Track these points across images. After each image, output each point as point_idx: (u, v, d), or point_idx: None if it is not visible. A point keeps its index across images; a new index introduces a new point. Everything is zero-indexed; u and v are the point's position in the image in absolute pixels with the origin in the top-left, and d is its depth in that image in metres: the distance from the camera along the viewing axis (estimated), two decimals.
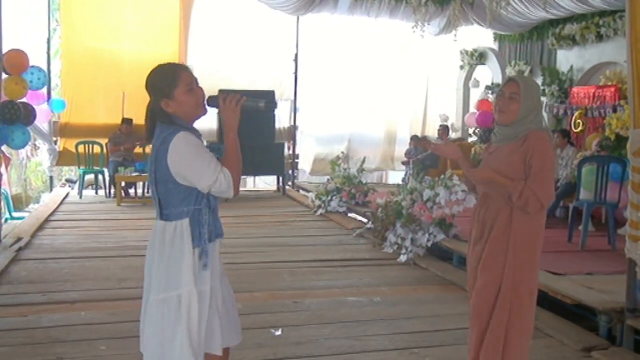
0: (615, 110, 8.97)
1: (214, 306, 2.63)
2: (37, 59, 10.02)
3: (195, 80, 2.62)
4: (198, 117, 2.63)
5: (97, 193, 11.42)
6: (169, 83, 2.54)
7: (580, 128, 9.64)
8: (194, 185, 2.52)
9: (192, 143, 2.53)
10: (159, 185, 2.57)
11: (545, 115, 10.70)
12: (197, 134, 2.61)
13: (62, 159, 11.60)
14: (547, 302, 4.88)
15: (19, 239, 6.98)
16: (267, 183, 13.31)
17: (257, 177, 14.01)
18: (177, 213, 2.55)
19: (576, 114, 9.80)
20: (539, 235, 2.98)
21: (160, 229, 2.58)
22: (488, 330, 2.96)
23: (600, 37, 9.87)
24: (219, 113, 2.57)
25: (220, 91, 2.68)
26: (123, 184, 10.47)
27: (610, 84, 9.50)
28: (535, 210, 2.85)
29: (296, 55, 12.63)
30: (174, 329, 2.53)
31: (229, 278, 2.79)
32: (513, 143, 2.93)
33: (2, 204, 9.89)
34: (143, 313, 2.63)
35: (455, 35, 11.05)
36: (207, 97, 2.65)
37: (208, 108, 2.65)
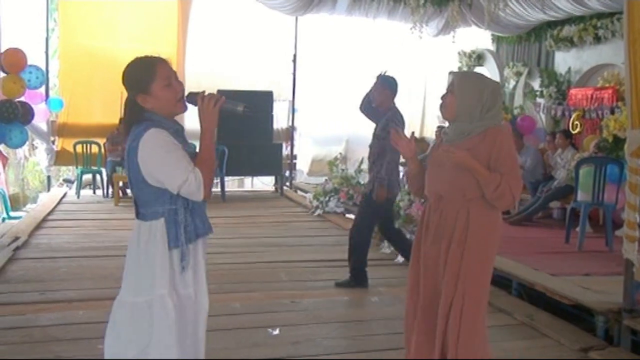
0: (612, 112, 8.99)
1: (199, 310, 2.56)
2: (35, 58, 10.01)
3: (174, 74, 2.48)
4: (176, 114, 2.50)
5: (94, 193, 11.40)
6: (146, 77, 2.40)
7: (577, 129, 9.66)
8: (163, 186, 2.40)
9: (161, 139, 2.38)
10: (133, 185, 2.48)
11: (542, 116, 10.72)
12: (174, 128, 2.46)
13: (59, 158, 11.60)
14: (544, 302, 4.90)
15: (16, 238, 6.97)
16: (264, 183, 13.30)
17: (254, 177, 14.00)
18: (151, 212, 2.45)
19: (574, 115, 9.81)
20: (495, 231, 2.93)
21: (136, 228, 2.49)
22: (449, 323, 2.90)
23: (597, 39, 9.89)
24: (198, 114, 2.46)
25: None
26: (121, 183, 10.45)
27: (607, 85, 9.51)
28: (507, 204, 2.82)
29: (294, 56, 12.64)
30: (149, 334, 2.43)
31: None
32: (468, 140, 2.84)
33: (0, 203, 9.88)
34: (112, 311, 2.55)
35: (453, 37, 11.06)
36: (187, 93, 2.50)
37: (189, 105, 2.51)
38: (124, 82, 2.46)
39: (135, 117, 2.43)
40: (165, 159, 2.36)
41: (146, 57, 2.49)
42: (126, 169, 2.49)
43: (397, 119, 5.32)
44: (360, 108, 5.71)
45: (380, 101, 5.40)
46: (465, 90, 2.85)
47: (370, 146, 5.52)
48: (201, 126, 2.45)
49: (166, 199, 2.42)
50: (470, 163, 2.76)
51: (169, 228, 2.43)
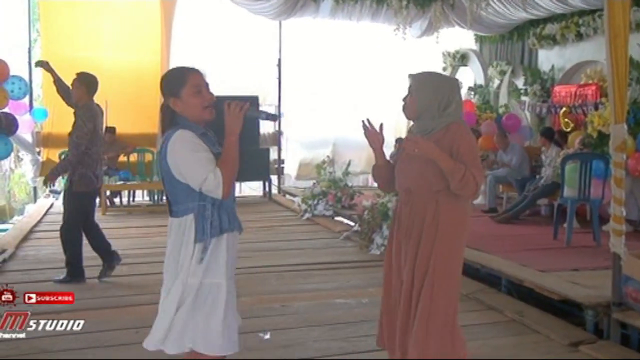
0: (596, 108, 9.04)
1: (231, 302, 2.70)
2: (18, 68, 9.94)
3: (206, 84, 2.69)
4: (205, 121, 2.69)
5: None
6: (177, 82, 2.65)
7: (570, 127, 9.67)
8: (187, 182, 2.58)
9: (188, 140, 2.59)
10: (165, 183, 2.69)
11: (527, 114, 10.78)
12: (200, 132, 2.65)
13: (45, 169, 11.45)
14: (534, 298, 4.92)
15: (3, 251, 6.89)
16: (252, 188, 13.28)
17: (242, 183, 13.97)
18: (183, 209, 2.64)
19: (561, 113, 9.84)
20: (464, 221, 2.99)
21: (169, 225, 2.70)
22: (417, 313, 2.90)
23: (580, 36, 9.97)
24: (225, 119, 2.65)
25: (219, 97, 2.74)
26: (108, 192, 10.40)
27: (591, 82, 9.58)
28: (472, 193, 2.86)
29: (279, 60, 12.62)
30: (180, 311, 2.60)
31: None
32: (431, 136, 2.93)
33: None
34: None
35: (437, 37, 11.12)
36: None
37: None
38: (160, 89, 2.71)
39: (169, 122, 2.68)
40: (188, 158, 2.57)
41: (182, 66, 2.74)
42: (159, 169, 2.72)
43: (86, 116, 5.61)
44: (67, 103, 6.05)
45: (78, 97, 5.70)
46: (421, 90, 2.96)
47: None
48: (226, 129, 2.64)
49: (196, 195, 2.61)
50: (436, 152, 2.83)
51: (197, 223, 2.61)
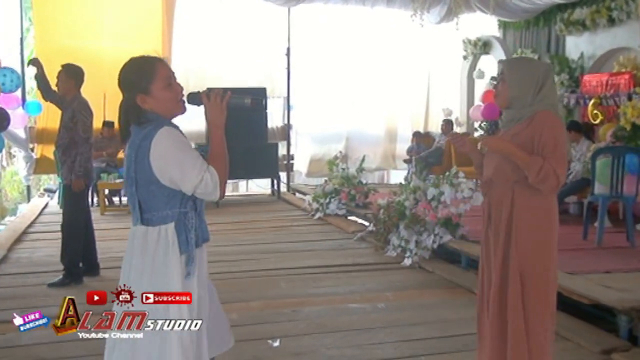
0: (630, 98, 8.99)
1: (203, 316, 2.57)
2: (10, 60, 10.01)
3: (173, 74, 2.56)
4: (176, 115, 2.57)
5: None
6: (146, 77, 2.48)
7: (599, 119, 9.62)
8: (177, 187, 2.44)
9: (176, 138, 2.47)
10: (140, 187, 2.49)
11: None
12: (179, 129, 2.54)
13: (39, 166, 11.56)
14: (562, 302, 4.88)
15: None
16: (260, 186, 13.32)
17: (249, 180, 14.00)
18: (160, 217, 2.48)
19: (590, 104, 9.79)
20: (547, 218, 3.03)
21: (141, 235, 2.50)
22: (508, 324, 3.04)
23: (612, 21, 9.89)
24: (205, 112, 2.54)
25: (208, 89, 2.63)
26: (106, 191, 10.45)
27: (624, 70, 9.52)
28: (552, 187, 2.91)
29: (288, 49, 12.63)
30: (163, 339, 2.44)
31: (222, 287, 2.78)
32: (518, 125, 3.02)
33: None
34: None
35: (457, 24, 11.06)
36: (187, 94, 2.58)
37: (188, 106, 2.59)
38: (121, 84, 2.53)
39: (135, 118, 2.49)
40: (181, 158, 2.42)
41: (144, 56, 2.56)
42: (129, 170, 2.51)
43: (84, 109, 5.80)
44: (45, 97, 6.19)
45: (66, 90, 5.83)
46: (514, 75, 3.04)
47: (59, 137, 5.91)
48: (209, 124, 2.54)
49: (177, 201, 2.48)
50: (506, 149, 2.93)
51: (179, 232, 2.48)
